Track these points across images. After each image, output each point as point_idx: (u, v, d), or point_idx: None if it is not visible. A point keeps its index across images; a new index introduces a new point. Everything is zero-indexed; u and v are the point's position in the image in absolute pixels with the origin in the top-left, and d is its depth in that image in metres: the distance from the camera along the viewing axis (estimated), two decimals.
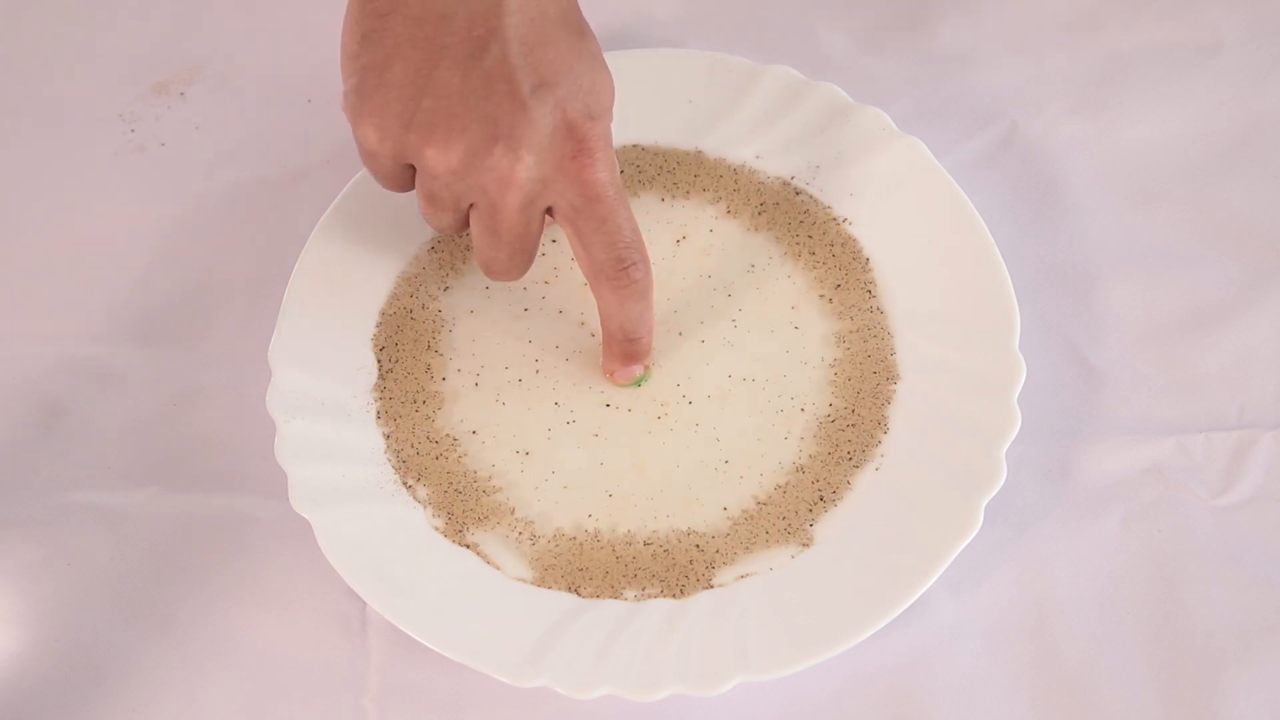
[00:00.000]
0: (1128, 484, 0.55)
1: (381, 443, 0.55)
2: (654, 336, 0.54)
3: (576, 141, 0.48)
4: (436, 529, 0.54)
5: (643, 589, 0.52)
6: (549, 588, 0.52)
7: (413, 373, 0.56)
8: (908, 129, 0.60)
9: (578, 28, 0.49)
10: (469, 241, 0.59)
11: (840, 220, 0.59)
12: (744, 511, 0.54)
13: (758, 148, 0.60)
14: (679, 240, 0.59)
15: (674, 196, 0.60)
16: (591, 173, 0.48)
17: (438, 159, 0.48)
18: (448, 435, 0.55)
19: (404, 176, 0.50)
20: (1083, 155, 0.62)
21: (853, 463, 0.54)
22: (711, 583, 0.52)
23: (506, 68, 0.47)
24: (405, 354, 0.57)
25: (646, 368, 0.55)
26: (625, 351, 0.54)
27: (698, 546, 0.53)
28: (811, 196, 0.59)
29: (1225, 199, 0.60)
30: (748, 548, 0.53)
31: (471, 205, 0.50)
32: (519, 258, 0.51)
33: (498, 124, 0.47)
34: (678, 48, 0.63)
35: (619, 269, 0.50)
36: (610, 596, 0.52)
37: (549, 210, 0.50)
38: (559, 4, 0.49)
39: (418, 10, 0.47)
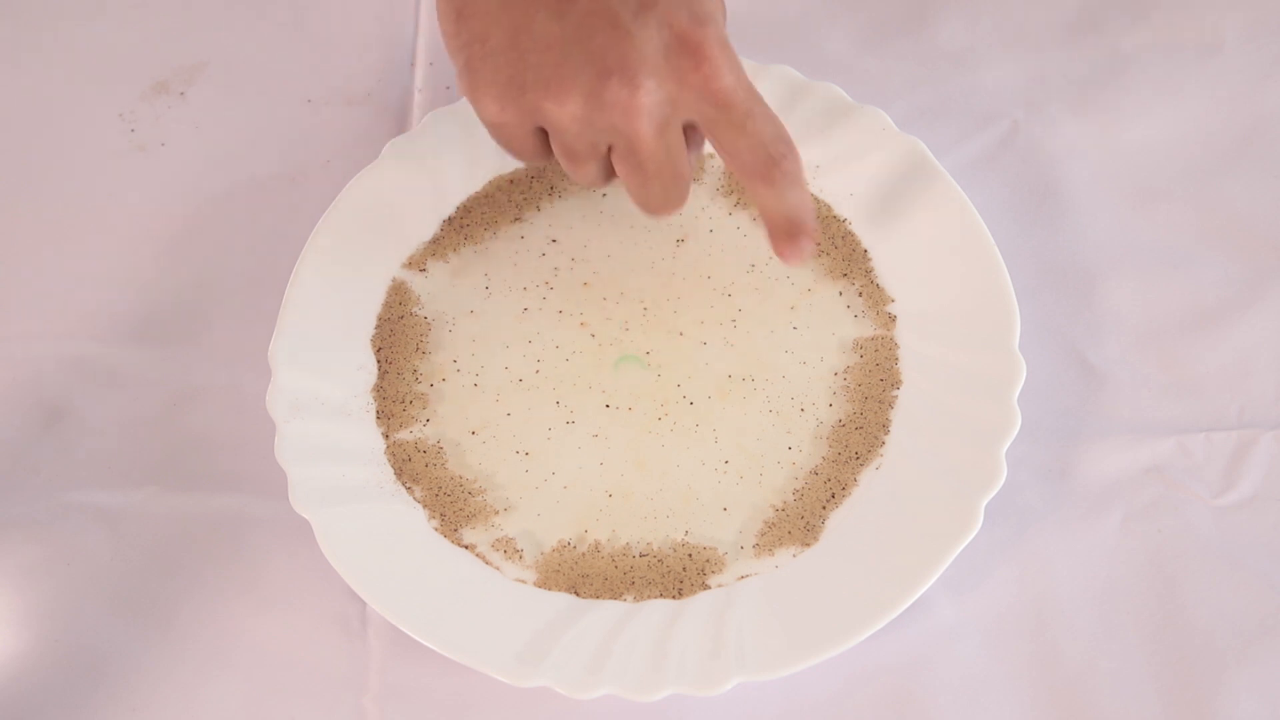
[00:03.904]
0: (1128, 484, 0.55)
1: (381, 443, 0.55)
2: (814, 216, 0.52)
3: (691, 52, 0.47)
4: (436, 529, 0.54)
5: (642, 591, 0.52)
6: (549, 589, 0.53)
7: (412, 372, 0.56)
8: (908, 129, 0.60)
9: None
10: (469, 240, 0.59)
11: (841, 220, 0.59)
12: (765, 522, 0.54)
13: None
14: (679, 241, 0.59)
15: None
16: (717, 80, 0.47)
17: (558, 110, 0.47)
18: (448, 435, 0.55)
19: (538, 142, 0.49)
20: (1083, 155, 0.62)
21: (859, 461, 0.54)
22: (710, 583, 0.52)
23: (600, 1, 0.46)
24: (405, 354, 0.57)
25: (815, 242, 0.52)
26: (792, 233, 0.51)
27: (705, 558, 0.53)
28: (812, 196, 0.59)
29: (1225, 199, 0.60)
30: (756, 554, 0.53)
31: (611, 148, 0.49)
32: (674, 186, 0.49)
33: (606, 58, 0.46)
34: None
35: (770, 166, 0.49)
36: (610, 597, 0.52)
37: (689, 128, 0.49)
38: None
39: None
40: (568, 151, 0.49)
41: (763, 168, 0.49)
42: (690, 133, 0.49)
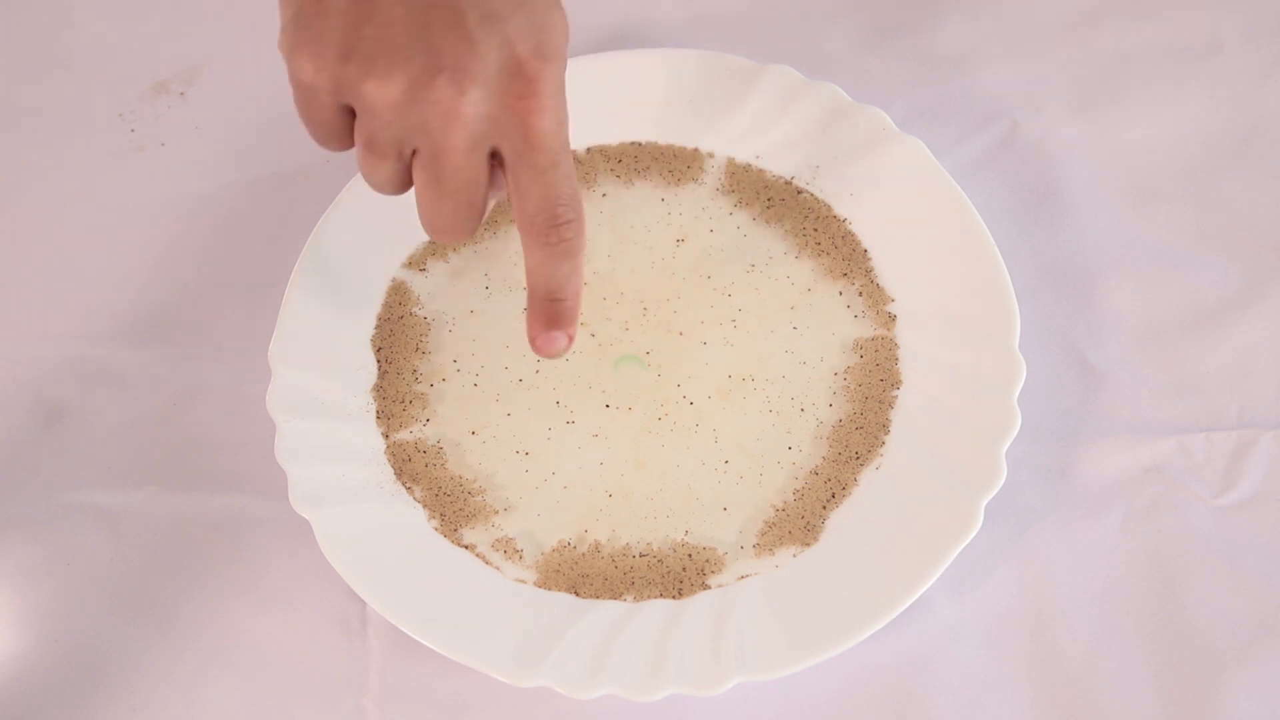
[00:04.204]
0: (1128, 484, 0.55)
1: (381, 443, 0.55)
2: (580, 303, 0.50)
3: (525, 81, 0.44)
4: (436, 529, 0.54)
5: (642, 591, 0.52)
6: (549, 589, 0.53)
7: (412, 372, 0.56)
8: (908, 129, 0.60)
9: None
10: (470, 240, 0.59)
11: (841, 220, 0.59)
12: (765, 522, 0.54)
13: (758, 148, 0.60)
14: (679, 240, 0.59)
15: (680, 183, 0.60)
16: (537, 117, 0.45)
17: (378, 91, 0.44)
18: (448, 435, 0.55)
19: (341, 122, 0.47)
20: (1083, 155, 0.62)
21: (859, 461, 0.54)
22: (710, 583, 0.52)
23: None
24: (404, 354, 0.57)
25: (570, 339, 0.50)
26: (548, 313, 0.49)
27: (705, 558, 0.53)
28: (813, 196, 0.59)
29: (1225, 199, 0.60)
30: (756, 554, 0.53)
31: (415, 153, 0.46)
32: (466, 210, 0.47)
33: (441, 54, 0.44)
34: (678, 48, 0.63)
35: (551, 224, 0.46)
36: (610, 597, 0.52)
37: (493, 156, 0.46)
38: None
39: None
40: (370, 142, 0.46)
41: (544, 224, 0.47)
42: (494, 169, 0.47)
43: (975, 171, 0.61)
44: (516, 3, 0.45)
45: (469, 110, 0.44)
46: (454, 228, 0.48)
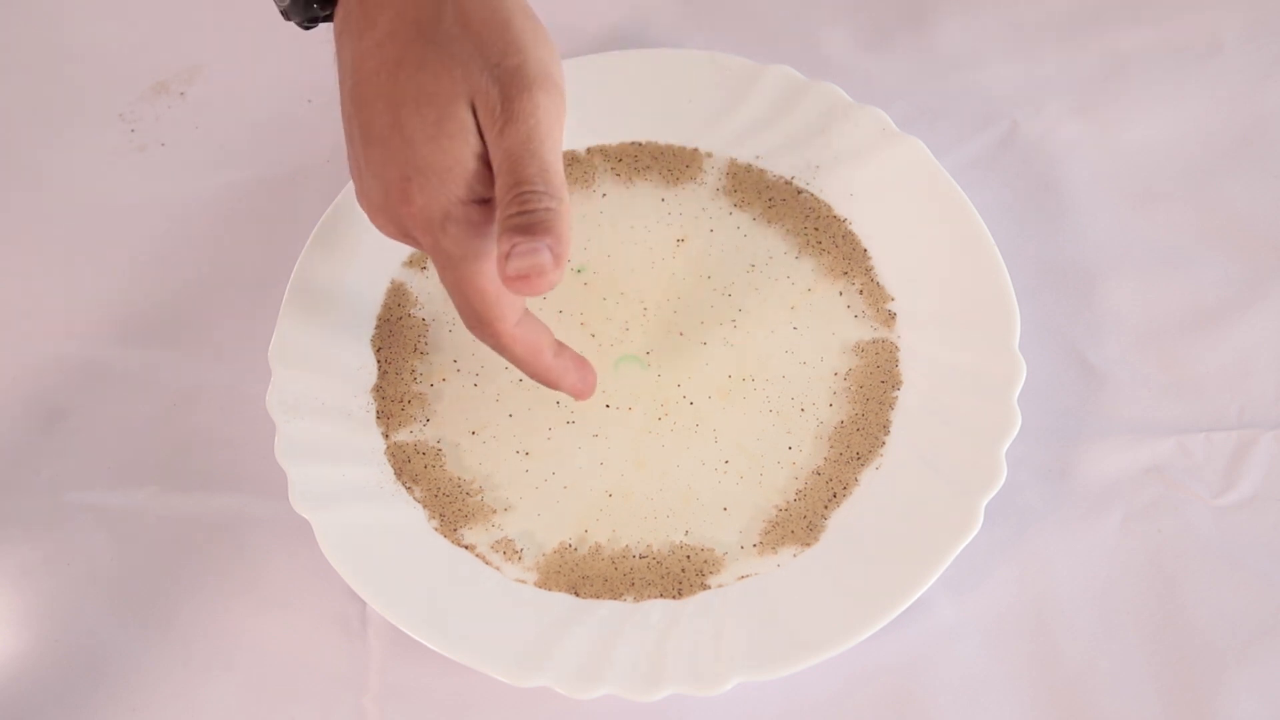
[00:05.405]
0: (1128, 484, 0.55)
1: (381, 443, 0.55)
2: (559, 374, 0.51)
3: (399, 203, 0.46)
4: (436, 529, 0.54)
5: (642, 592, 0.52)
6: (549, 589, 0.53)
7: (411, 373, 0.56)
8: (908, 129, 0.60)
9: (400, 63, 0.46)
10: None
11: (841, 220, 0.59)
12: (768, 522, 0.53)
13: (758, 148, 0.60)
14: (679, 240, 0.59)
15: (680, 183, 0.60)
16: (421, 236, 0.46)
17: (373, 222, 0.49)
18: (448, 435, 0.55)
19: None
20: (1083, 155, 0.62)
21: (860, 461, 0.54)
22: (710, 583, 0.52)
23: (349, 125, 0.48)
24: (404, 354, 0.57)
25: (577, 395, 0.53)
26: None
27: (704, 559, 0.53)
28: (813, 196, 0.59)
29: (1225, 199, 0.60)
30: (758, 553, 0.53)
31: None
32: (463, 314, 0.48)
33: (363, 188, 0.48)
34: (678, 48, 0.63)
35: (470, 329, 0.49)
36: (610, 597, 0.52)
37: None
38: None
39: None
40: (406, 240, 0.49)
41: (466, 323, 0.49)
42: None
43: (975, 171, 0.61)
44: (389, 123, 0.45)
45: (390, 230, 0.48)
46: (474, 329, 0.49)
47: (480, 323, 0.48)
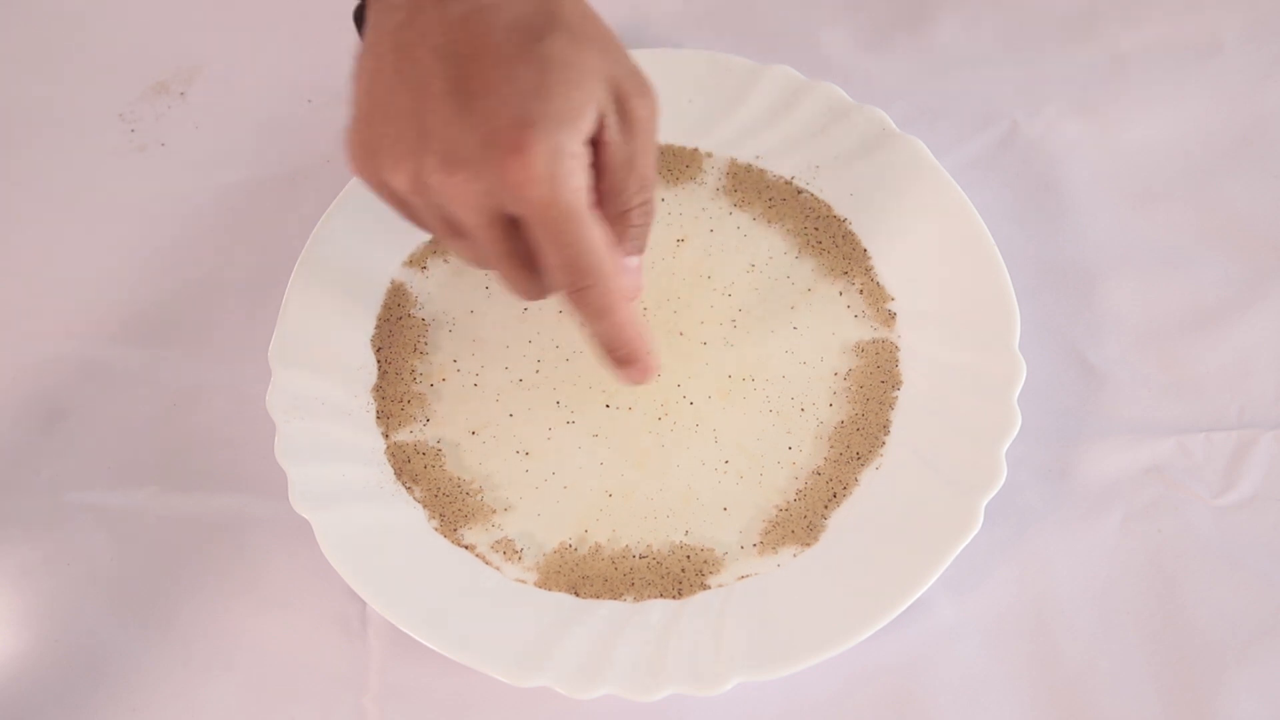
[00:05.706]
0: (1128, 484, 0.55)
1: (381, 443, 0.55)
2: (645, 343, 0.49)
3: (507, 151, 0.43)
4: (436, 529, 0.54)
5: (641, 592, 0.52)
6: (549, 589, 0.53)
7: (411, 372, 0.56)
8: (908, 129, 0.60)
9: (528, 32, 0.45)
10: None
11: (841, 220, 0.59)
12: (768, 522, 0.53)
13: (758, 148, 0.60)
14: (679, 240, 0.59)
15: (680, 183, 0.60)
16: (526, 188, 0.44)
17: (396, 183, 0.46)
18: (448, 435, 0.55)
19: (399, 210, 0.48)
20: (1083, 155, 0.62)
21: (860, 461, 0.54)
22: (710, 583, 0.52)
23: (441, 81, 0.45)
24: (405, 354, 0.57)
25: (646, 369, 0.50)
26: (612, 359, 0.49)
27: (704, 559, 0.53)
28: (813, 196, 0.59)
29: (1225, 199, 0.60)
30: (758, 553, 0.53)
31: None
32: (515, 275, 0.48)
33: (430, 139, 0.45)
34: (678, 48, 0.63)
35: (571, 290, 0.46)
36: (610, 597, 0.52)
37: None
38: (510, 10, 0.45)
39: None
40: (420, 224, 0.48)
41: (568, 291, 0.47)
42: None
43: (975, 171, 0.61)
44: (504, 75, 0.44)
45: (463, 188, 0.44)
46: (522, 291, 0.48)
47: (583, 274, 0.46)
